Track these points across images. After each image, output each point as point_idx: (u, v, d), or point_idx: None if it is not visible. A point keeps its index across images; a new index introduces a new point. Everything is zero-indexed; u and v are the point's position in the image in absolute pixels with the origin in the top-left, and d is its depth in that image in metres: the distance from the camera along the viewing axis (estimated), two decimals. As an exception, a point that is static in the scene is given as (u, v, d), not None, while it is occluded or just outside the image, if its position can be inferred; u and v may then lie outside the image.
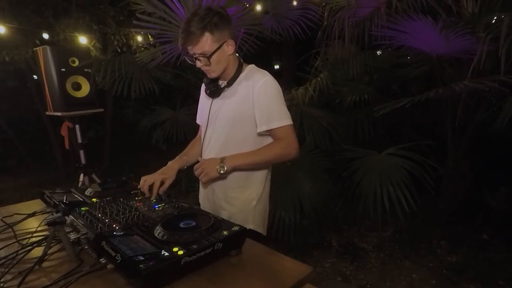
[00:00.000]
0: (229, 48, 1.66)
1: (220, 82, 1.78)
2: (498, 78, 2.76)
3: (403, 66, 4.15)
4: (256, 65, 1.81)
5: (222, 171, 1.62)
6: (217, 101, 1.79)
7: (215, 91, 1.77)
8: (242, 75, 1.74)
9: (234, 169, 1.68)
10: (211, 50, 1.60)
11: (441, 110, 3.75)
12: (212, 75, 1.71)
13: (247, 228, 1.48)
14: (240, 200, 1.78)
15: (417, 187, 3.09)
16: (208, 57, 1.61)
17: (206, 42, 1.58)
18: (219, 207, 1.81)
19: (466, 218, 3.94)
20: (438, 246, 3.65)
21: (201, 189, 1.94)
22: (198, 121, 2.04)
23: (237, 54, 1.78)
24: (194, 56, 1.64)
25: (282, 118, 1.67)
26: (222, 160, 1.63)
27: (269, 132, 1.70)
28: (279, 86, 1.72)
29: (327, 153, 3.62)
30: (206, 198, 1.90)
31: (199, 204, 1.97)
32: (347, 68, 3.93)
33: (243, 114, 1.70)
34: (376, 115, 3.12)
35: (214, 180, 1.77)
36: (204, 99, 1.91)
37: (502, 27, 2.64)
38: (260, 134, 1.72)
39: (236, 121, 1.72)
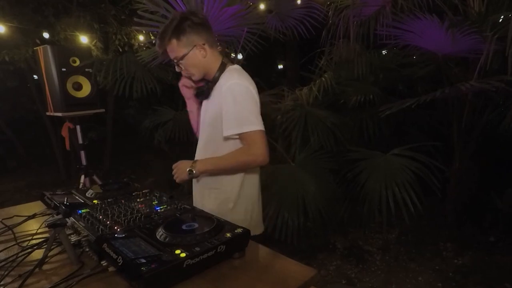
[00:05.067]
0: (201, 52, 1.70)
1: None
2: (505, 78, 2.73)
3: (409, 65, 4.12)
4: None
5: (190, 174, 1.71)
6: (205, 102, 1.86)
7: (200, 93, 1.84)
8: (221, 77, 1.76)
9: (203, 173, 1.76)
10: (180, 54, 1.68)
11: (448, 110, 3.72)
12: (194, 78, 1.79)
13: None
14: (218, 201, 1.83)
15: (423, 188, 3.05)
16: (177, 61, 1.71)
17: (174, 48, 1.68)
18: (205, 207, 1.80)
19: (473, 220, 3.90)
20: (444, 249, 3.62)
21: (193, 189, 1.99)
22: None
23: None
24: (172, 62, 1.75)
25: (244, 124, 1.66)
26: (193, 163, 1.71)
27: (237, 137, 1.71)
28: (250, 89, 1.70)
29: (331, 154, 3.58)
30: (196, 198, 1.96)
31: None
32: (352, 68, 3.92)
33: (218, 116, 1.71)
34: (381, 116, 3.09)
35: (201, 181, 1.87)
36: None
37: (509, 26, 2.64)
38: (232, 138, 1.73)
39: (214, 123, 1.75)
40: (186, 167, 1.72)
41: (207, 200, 1.86)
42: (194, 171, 1.70)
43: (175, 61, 1.72)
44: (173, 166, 1.77)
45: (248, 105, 1.68)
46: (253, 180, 1.88)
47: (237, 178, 1.81)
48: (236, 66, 1.82)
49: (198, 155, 1.86)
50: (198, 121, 1.98)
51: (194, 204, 1.94)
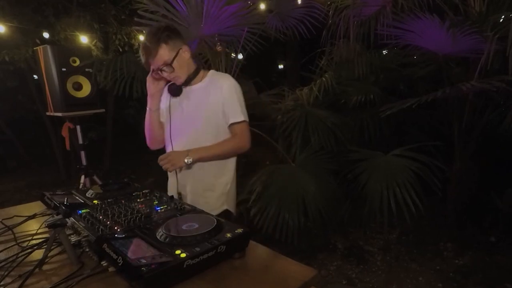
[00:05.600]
0: (186, 53, 1.92)
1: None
2: (506, 78, 2.73)
3: (410, 65, 4.12)
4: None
5: (189, 162, 1.85)
6: (186, 101, 2.02)
7: (178, 89, 2.02)
8: (206, 79, 2.01)
9: (198, 160, 1.91)
10: (170, 58, 1.85)
11: (448, 110, 3.71)
12: (180, 81, 1.96)
13: (223, 208, 2.00)
14: (217, 186, 2.02)
15: (423, 188, 3.04)
16: (170, 64, 1.86)
17: (164, 52, 1.84)
18: (198, 196, 2.00)
19: (474, 220, 3.90)
20: (445, 249, 3.61)
21: (174, 181, 2.07)
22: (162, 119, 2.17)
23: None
24: (159, 69, 1.88)
25: (240, 114, 1.94)
26: (188, 152, 1.86)
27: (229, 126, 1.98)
28: (241, 88, 2.02)
29: (332, 154, 3.57)
30: (182, 188, 2.05)
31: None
32: (352, 68, 3.92)
33: (218, 110, 1.95)
34: (382, 116, 3.08)
35: (191, 172, 2.00)
36: (164, 98, 2.13)
37: (510, 26, 2.63)
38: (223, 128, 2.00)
39: (211, 117, 1.96)
40: (181, 156, 1.85)
41: (209, 186, 2.02)
42: (191, 159, 1.85)
43: (161, 67, 1.86)
44: (162, 157, 1.86)
45: (243, 100, 2.00)
46: (235, 165, 2.12)
47: (233, 162, 2.08)
48: (213, 70, 2.08)
49: (190, 146, 1.95)
50: (154, 123, 2.14)
51: (176, 192, 2.05)
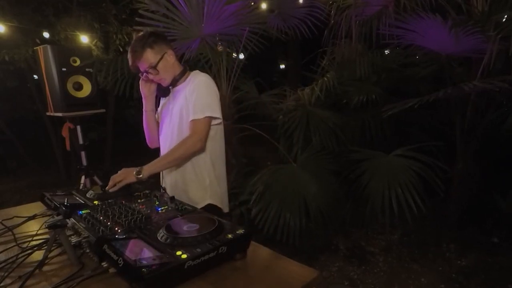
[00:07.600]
0: (171, 57, 2.01)
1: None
2: (508, 78, 2.72)
3: (412, 65, 4.12)
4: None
5: (139, 176, 1.84)
6: (171, 102, 2.13)
7: (165, 90, 2.13)
8: (187, 79, 2.07)
9: (150, 174, 1.90)
10: (155, 61, 1.95)
11: (450, 110, 3.70)
12: (165, 82, 2.06)
13: (206, 203, 2.02)
14: (196, 181, 2.06)
15: (425, 189, 3.03)
16: (155, 67, 1.96)
17: (149, 56, 1.94)
18: (181, 190, 2.08)
19: (476, 221, 3.88)
20: (447, 250, 3.60)
21: (166, 179, 2.18)
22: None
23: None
24: (146, 71, 1.98)
25: (198, 111, 1.93)
26: (139, 169, 1.86)
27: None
28: (212, 85, 2.03)
29: (333, 154, 3.57)
30: (170, 186, 2.13)
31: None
32: (354, 68, 3.92)
33: (186, 107, 1.99)
34: (383, 116, 3.08)
35: (176, 173, 2.09)
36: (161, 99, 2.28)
37: (513, 26, 2.61)
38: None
39: (182, 113, 2.01)
40: (131, 172, 1.85)
41: (188, 181, 2.07)
42: (141, 173, 1.84)
43: (147, 69, 1.96)
44: (113, 176, 1.87)
45: (211, 96, 1.99)
46: (221, 161, 2.15)
47: (208, 160, 2.06)
48: (196, 71, 2.13)
49: (169, 145, 2.08)
50: (150, 123, 2.26)
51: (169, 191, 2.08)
